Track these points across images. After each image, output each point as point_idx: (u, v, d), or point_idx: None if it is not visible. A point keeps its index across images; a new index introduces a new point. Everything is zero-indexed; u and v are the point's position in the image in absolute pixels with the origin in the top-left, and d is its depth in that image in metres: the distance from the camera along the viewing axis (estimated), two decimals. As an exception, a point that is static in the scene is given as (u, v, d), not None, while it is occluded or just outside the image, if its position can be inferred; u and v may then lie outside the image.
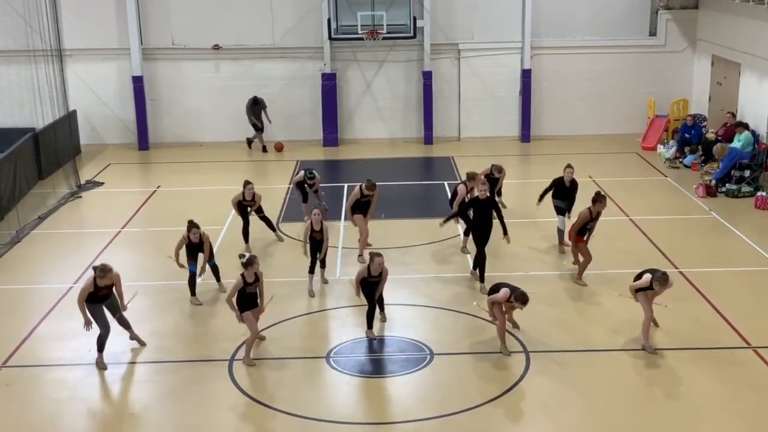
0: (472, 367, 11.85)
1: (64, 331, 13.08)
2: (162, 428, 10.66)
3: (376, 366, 12.01)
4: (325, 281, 14.61)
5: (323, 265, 14.54)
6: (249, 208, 15.94)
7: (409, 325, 13.11)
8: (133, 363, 12.14)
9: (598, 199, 14.19)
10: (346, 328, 13.12)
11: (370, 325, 12.74)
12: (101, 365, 11.99)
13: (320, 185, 18.22)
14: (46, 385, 11.59)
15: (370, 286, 12.61)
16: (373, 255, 12.48)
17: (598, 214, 14.27)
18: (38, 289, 14.85)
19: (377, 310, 12.94)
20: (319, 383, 11.50)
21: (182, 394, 11.34)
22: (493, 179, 16.61)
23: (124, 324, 12.41)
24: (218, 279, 14.39)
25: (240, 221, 16.14)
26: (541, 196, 15.90)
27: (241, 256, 12.22)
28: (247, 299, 11.95)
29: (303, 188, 17.71)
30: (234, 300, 11.84)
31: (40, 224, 18.06)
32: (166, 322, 13.36)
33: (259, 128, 24.04)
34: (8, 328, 13.26)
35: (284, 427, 10.54)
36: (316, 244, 14.18)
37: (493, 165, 17.06)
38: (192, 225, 13.86)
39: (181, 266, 13.90)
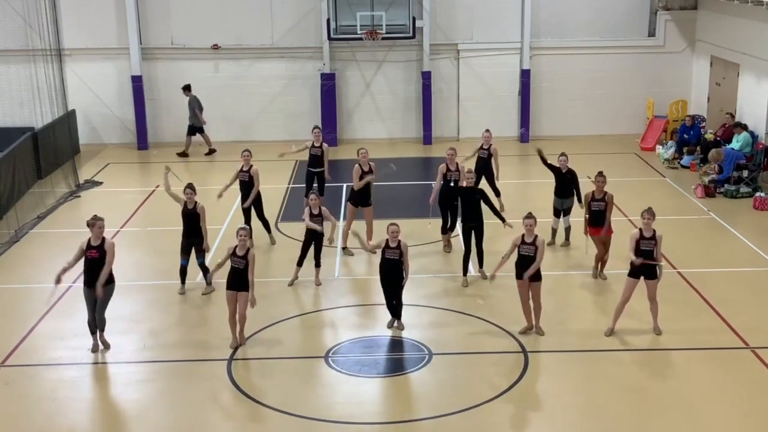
0: (471, 367, 11.86)
1: (62, 330, 13.08)
2: (160, 427, 10.66)
3: (374, 366, 12.01)
4: (318, 283, 14.56)
5: (317, 263, 14.50)
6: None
7: (407, 325, 13.10)
8: (131, 362, 12.15)
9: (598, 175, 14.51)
10: (344, 327, 13.13)
11: (391, 313, 12.94)
12: (94, 348, 12.23)
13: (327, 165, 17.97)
14: (45, 384, 11.59)
15: (388, 264, 12.49)
16: (388, 226, 12.61)
17: (605, 194, 14.32)
18: (37, 288, 14.82)
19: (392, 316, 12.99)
20: (317, 383, 11.51)
21: (180, 393, 11.35)
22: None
23: (100, 322, 12.25)
24: (207, 280, 14.31)
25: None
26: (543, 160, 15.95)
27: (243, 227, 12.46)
28: (232, 273, 12.09)
29: (313, 164, 17.48)
30: (220, 266, 12.27)
31: (38, 223, 18.06)
32: (163, 322, 13.36)
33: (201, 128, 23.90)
34: (7, 327, 13.26)
35: (283, 426, 10.55)
36: (310, 234, 14.14)
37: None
38: (188, 185, 13.99)
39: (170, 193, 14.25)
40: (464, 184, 14.67)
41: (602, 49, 24.75)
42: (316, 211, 14.09)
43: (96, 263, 11.91)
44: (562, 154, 15.81)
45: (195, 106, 23.72)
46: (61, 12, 23.65)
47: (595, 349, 12.31)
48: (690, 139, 22.27)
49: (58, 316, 13.60)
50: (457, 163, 15.87)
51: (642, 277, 12.29)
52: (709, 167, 20.44)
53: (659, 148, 22.98)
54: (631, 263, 12.20)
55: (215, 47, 24.58)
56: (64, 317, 13.56)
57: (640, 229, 12.29)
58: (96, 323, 12.25)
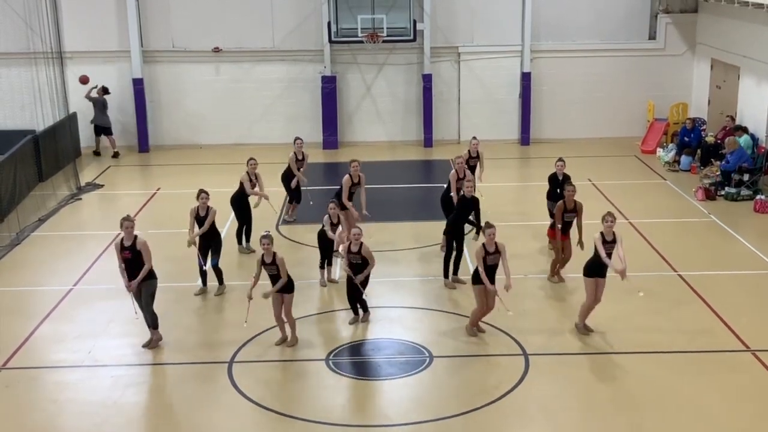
0: (472, 369, 11.87)
1: (64, 333, 13.10)
2: (161, 430, 10.67)
3: (375, 369, 12.02)
4: (333, 281, 14.74)
5: (329, 262, 14.68)
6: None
7: (408, 328, 13.13)
8: (133, 365, 12.16)
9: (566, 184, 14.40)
10: (345, 330, 13.14)
11: (354, 311, 13.20)
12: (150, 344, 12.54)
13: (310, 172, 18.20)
14: (46, 386, 11.60)
15: (353, 269, 12.84)
16: (351, 229, 13.00)
17: (575, 204, 14.23)
18: (38, 291, 14.86)
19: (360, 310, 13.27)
20: (318, 386, 11.51)
21: (182, 396, 11.37)
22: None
23: (149, 321, 12.44)
24: (220, 281, 14.43)
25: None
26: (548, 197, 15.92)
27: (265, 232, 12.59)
28: (272, 280, 12.31)
29: (292, 171, 17.61)
30: (256, 278, 12.33)
31: (40, 226, 18.07)
32: (166, 324, 13.32)
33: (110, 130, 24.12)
34: (8, 329, 13.27)
35: (283, 429, 10.55)
36: (325, 240, 14.32)
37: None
38: (201, 191, 14.05)
39: (191, 244, 14.05)
40: (465, 193, 14.66)
41: (603, 52, 24.78)
42: (335, 221, 14.26)
43: (130, 263, 12.15)
44: (560, 159, 15.75)
45: (99, 106, 23.83)
46: (62, 15, 23.73)
47: (595, 351, 12.31)
48: (690, 142, 22.28)
49: (59, 319, 13.62)
50: (465, 172, 15.81)
51: (596, 277, 12.38)
52: (710, 170, 20.47)
53: (660, 151, 22.99)
54: (591, 264, 12.36)
55: (216, 50, 24.60)
56: (65, 320, 13.58)
57: (602, 233, 12.29)
58: (146, 319, 12.45)
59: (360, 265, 12.81)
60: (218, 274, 14.38)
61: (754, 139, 20.35)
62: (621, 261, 12.28)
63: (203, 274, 14.36)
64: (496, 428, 10.53)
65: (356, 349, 12.51)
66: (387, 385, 11.55)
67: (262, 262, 12.24)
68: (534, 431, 10.51)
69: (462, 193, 14.61)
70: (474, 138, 17.65)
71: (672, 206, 18.96)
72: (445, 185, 16.35)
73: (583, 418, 10.65)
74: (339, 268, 14.83)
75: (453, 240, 14.53)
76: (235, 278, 14.73)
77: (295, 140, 17.85)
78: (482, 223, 14.38)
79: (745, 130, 20.43)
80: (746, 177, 19.42)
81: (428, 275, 15.13)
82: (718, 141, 21.21)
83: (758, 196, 18.67)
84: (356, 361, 12.17)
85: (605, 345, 12.47)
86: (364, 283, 12.98)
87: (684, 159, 21.79)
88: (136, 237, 12.20)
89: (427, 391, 11.36)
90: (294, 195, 17.90)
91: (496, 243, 12.22)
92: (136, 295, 12.35)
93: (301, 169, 17.65)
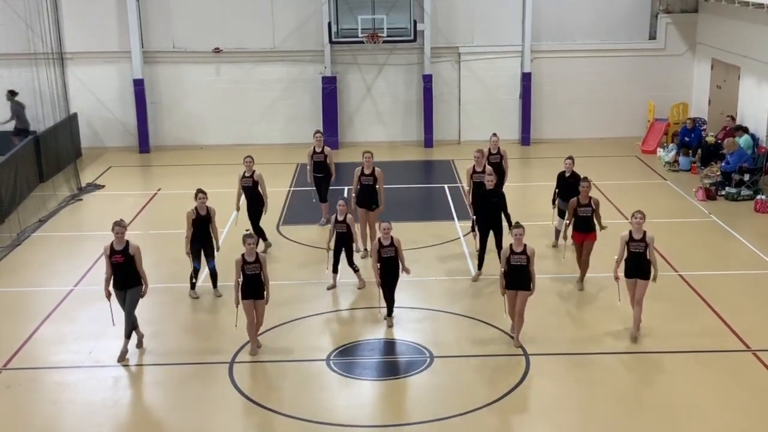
0: (472, 370, 11.87)
1: (64, 333, 13.11)
2: (162, 431, 10.68)
3: (376, 369, 12.02)
4: (360, 286, 14.57)
5: (355, 268, 14.45)
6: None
7: (409, 328, 13.13)
8: (134, 365, 12.17)
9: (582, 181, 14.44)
10: (346, 331, 13.15)
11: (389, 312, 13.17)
12: (139, 344, 12.46)
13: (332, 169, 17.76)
14: (47, 387, 11.61)
15: (386, 263, 12.72)
16: (380, 224, 12.88)
17: (590, 200, 14.22)
18: (39, 291, 14.87)
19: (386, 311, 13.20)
20: (319, 386, 11.51)
21: (183, 396, 11.37)
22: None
23: (128, 329, 12.23)
24: (215, 284, 14.35)
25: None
26: (554, 199, 15.88)
27: (246, 231, 12.39)
28: (248, 282, 12.00)
29: (316, 169, 17.37)
30: (240, 282, 12.02)
31: (40, 227, 18.09)
32: (166, 325, 13.38)
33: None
34: (9, 330, 13.28)
35: (284, 430, 10.56)
36: (340, 239, 14.15)
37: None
38: (199, 191, 13.89)
39: (188, 254, 13.92)
40: (486, 186, 14.73)
41: (603, 52, 24.80)
42: (341, 218, 14.07)
43: (121, 267, 11.99)
44: (569, 158, 15.80)
45: (20, 111, 22.71)
46: (63, 15, 23.75)
47: (596, 352, 12.31)
48: (691, 142, 22.28)
49: (60, 320, 13.63)
50: (484, 165, 15.88)
51: (636, 278, 12.33)
52: (710, 170, 20.47)
53: (660, 151, 23.00)
54: (625, 263, 12.34)
55: (216, 51, 24.62)
56: (65, 321, 13.59)
57: (630, 231, 12.31)
58: (126, 327, 12.24)
59: (393, 258, 12.78)
60: (214, 277, 14.28)
61: (755, 139, 20.35)
62: (653, 266, 12.24)
63: (194, 278, 14.24)
64: (496, 428, 10.53)
65: (357, 349, 12.51)
66: (388, 385, 11.56)
67: (243, 262, 12.01)
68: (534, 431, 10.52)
69: (484, 185, 14.76)
70: (494, 135, 17.39)
71: (672, 206, 18.95)
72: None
73: (584, 419, 10.65)
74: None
75: (480, 234, 14.71)
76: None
77: (315, 134, 17.79)
78: (512, 219, 14.47)
79: (745, 130, 20.43)
80: (747, 177, 19.42)
81: (428, 275, 15.13)
82: (719, 141, 21.21)
83: (759, 196, 18.67)
84: (357, 362, 12.17)
85: (605, 346, 12.48)
86: (395, 279, 12.95)
87: (682, 160, 21.80)
88: (127, 242, 12.02)
89: (427, 392, 11.37)
90: (318, 194, 17.68)
91: (525, 245, 12.15)
92: (119, 301, 12.17)
93: (329, 163, 17.42)
